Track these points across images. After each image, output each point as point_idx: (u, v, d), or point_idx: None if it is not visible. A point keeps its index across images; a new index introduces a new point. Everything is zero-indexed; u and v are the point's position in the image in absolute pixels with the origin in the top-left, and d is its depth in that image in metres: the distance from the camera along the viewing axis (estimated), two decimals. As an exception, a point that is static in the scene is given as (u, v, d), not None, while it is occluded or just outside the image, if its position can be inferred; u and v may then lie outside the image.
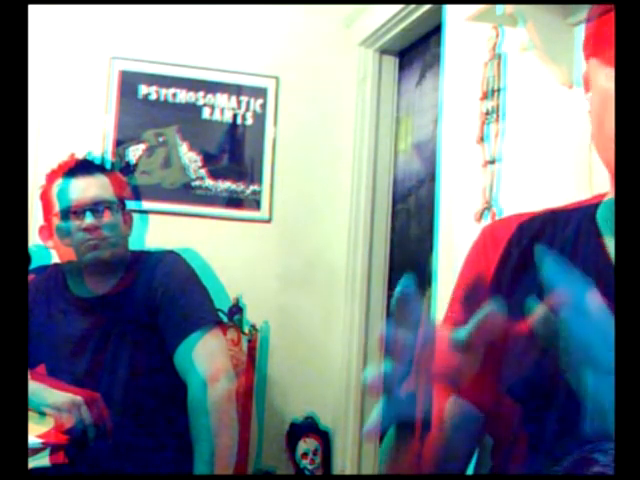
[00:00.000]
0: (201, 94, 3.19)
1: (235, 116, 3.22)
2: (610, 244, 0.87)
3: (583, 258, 0.87)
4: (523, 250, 0.93)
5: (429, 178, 2.82)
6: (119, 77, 3.11)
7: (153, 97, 3.15)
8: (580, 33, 1.75)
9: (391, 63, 3.26)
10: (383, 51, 3.23)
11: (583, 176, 1.66)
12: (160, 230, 3.02)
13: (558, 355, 0.70)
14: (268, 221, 3.22)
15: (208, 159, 3.19)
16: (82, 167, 2.09)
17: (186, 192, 3.15)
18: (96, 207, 2.03)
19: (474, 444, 0.95)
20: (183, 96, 3.18)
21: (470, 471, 1.01)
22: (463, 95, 2.31)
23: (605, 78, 0.83)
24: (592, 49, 0.87)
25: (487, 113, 2.18)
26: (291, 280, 3.21)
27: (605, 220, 0.89)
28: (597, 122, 0.85)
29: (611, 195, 0.91)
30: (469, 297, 0.77)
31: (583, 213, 0.91)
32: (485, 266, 0.95)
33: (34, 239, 2.18)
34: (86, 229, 2.01)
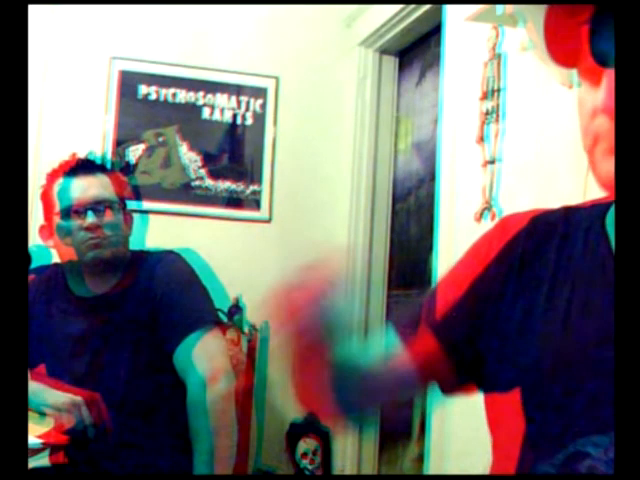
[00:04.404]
0: (201, 94, 3.19)
1: (235, 116, 3.22)
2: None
3: (591, 261, 0.87)
4: (529, 245, 0.93)
5: (429, 178, 2.82)
6: (119, 77, 3.11)
7: (153, 97, 3.15)
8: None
9: (391, 63, 3.26)
10: (383, 51, 3.23)
11: (583, 176, 1.66)
12: (160, 230, 3.02)
13: None
14: (268, 221, 3.22)
15: (208, 159, 3.19)
16: (83, 166, 2.10)
17: (186, 192, 3.15)
18: (97, 206, 2.04)
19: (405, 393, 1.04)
20: (183, 96, 3.18)
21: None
22: (463, 95, 2.31)
23: (580, 86, 0.83)
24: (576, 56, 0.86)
25: (487, 113, 2.18)
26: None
27: (613, 223, 0.89)
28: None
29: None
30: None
31: (594, 214, 0.91)
32: (485, 253, 0.96)
33: (34, 239, 2.18)
34: (87, 228, 2.01)
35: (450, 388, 1.01)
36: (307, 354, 0.96)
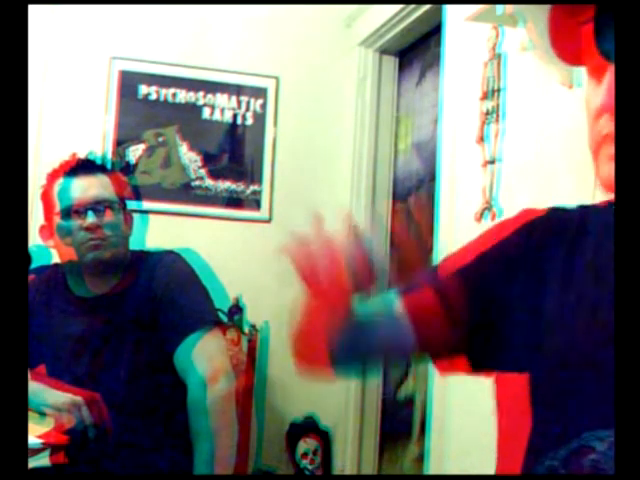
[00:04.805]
0: (201, 94, 3.19)
1: (235, 116, 3.22)
2: None
3: (599, 258, 0.87)
4: (542, 237, 0.93)
5: (429, 178, 2.82)
6: (119, 77, 3.11)
7: (153, 97, 3.15)
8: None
9: (391, 63, 3.26)
10: (383, 51, 3.23)
11: (583, 176, 1.66)
12: (160, 230, 3.02)
13: None
14: (268, 221, 3.22)
15: (208, 159, 3.19)
16: (83, 166, 2.10)
17: (186, 192, 3.15)
18: (97, 206, 2.03)
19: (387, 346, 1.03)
20: (183, 96, 3.18)
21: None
22: (463, 95, 2.31)
23: (587, 85, 0.84)
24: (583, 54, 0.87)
25: (487, 113, 2.18)
26: (291, 280, 3.20)
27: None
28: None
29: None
30: None
31: (602, 214, 0.91)
32: (500, 236, 0.97)
33: (34, 239, 2.18)
34: (88, 228, 2.01)
35: (441, 356, 1.00)
36: (320, 305, 0.96)
